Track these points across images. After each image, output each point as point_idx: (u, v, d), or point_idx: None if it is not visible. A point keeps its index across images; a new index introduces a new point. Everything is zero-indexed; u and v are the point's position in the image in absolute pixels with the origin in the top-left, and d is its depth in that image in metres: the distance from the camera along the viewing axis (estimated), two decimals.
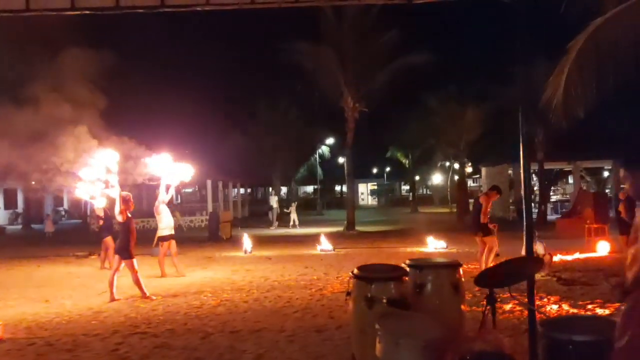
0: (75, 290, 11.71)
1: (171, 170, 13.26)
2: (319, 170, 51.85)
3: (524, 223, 5.05)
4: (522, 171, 5.07)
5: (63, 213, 42.31)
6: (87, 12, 5.14)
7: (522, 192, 5.18)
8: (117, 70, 27.60)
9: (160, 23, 27.23)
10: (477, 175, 46.86)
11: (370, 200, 65.65)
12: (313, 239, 18.91)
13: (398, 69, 25.95)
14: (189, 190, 46.20)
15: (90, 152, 12.11)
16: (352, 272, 5.16)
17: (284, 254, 17.34)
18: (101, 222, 15.07)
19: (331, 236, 20.39)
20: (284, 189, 51.76)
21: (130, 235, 10.51)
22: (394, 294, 4.77)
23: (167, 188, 13.52)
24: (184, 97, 32.63)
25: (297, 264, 14.87)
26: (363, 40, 25.58)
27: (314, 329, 7.80)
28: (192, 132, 31.47)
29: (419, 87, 32.79)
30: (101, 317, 8.95)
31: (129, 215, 10.66)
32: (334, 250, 17.81)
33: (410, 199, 50.20)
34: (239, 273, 13.57)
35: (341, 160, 43.82)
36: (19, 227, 36.05)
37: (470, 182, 50.91)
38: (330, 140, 50.91)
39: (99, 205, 13.92)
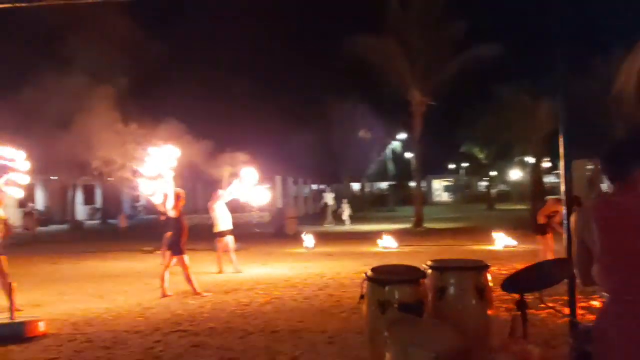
0: (131, 285, 11.84)
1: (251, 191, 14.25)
2: (391, 166, 51.20)
3: (565, 222, 4.63)
4: (561, 168, 4.70)
5: (140, 209, 43.52)
6: None
7: (563, 190, 4.76)
8: (189, 69, 28.19)
9: (226, 23, 27.48)
10: (557, 171, 45.14)
11: (447, 197, 64.30)
12: (378, 236, 18.51)
13: (467, 61, 25.18)
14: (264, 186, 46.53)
15: (149, 148, 12.21)
16: (365, 273, 4.85)
17: (345, 251, 17.10)
18: (163, 218, 15.21)
19: (398, 233, 19.97)
20: (356, 186, 51.37)
21: (181, 231, 10.52)
22: (409, 298, 4.40)
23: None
24: (254, 95, 32.93)
25: (356, 261, 14.57)
26: (430, 31, 24.93)
27: (357, 330, 7.47)
28: (262, 129, 31.61)
29: (491, 80, 31.83)
30: (148, 314, 8.96)
31: (181, 210, 10.70)
32: (397, 247, 17.44)
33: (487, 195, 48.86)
34: (296, 269, 13.45)
35: (411, 155, 43.09)
36: (97, 222, 37.44)
37: (552, 178, 49.04)
38: (402, 136, 50.17)
39: (158, 201, 14.04)
